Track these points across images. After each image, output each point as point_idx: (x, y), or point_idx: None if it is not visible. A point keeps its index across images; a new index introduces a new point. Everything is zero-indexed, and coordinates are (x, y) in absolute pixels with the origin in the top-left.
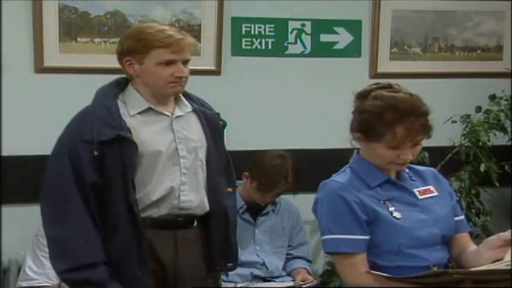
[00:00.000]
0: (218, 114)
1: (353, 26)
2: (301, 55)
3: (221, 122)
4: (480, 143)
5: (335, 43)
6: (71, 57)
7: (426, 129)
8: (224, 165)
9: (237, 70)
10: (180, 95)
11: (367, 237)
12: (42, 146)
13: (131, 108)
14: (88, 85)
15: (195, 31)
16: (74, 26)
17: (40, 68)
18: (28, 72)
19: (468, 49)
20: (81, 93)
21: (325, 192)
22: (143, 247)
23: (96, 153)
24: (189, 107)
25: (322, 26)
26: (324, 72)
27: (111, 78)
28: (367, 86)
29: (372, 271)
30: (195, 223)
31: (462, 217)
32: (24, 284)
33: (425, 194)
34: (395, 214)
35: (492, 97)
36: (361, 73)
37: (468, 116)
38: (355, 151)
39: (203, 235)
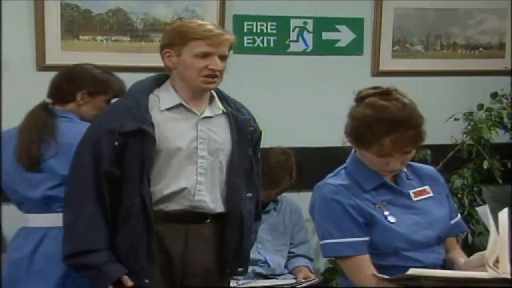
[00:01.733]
0: (249, 119)
1: (355, 24)
2: (303, 53)
3: (251, 128)
4: (483, 141)
5: (337, 41)
6: (73, 55)
7: (415, 141)
8: (247, 170)
9: (239, 68)
10: (216, 96)
11: (367, 238)
12: None
13: (162, 103)
14: None
15: None
16: (76, 24)
17: (42, 66)
18: (30, 70)
19: (470, 47)
20: None
21: (320, 196)
22: (152, 240)
23: (116, 143)
24: (220, 109)
25: (324, 24)
26: (326, 70)
27: None
28: (366, 89)
29: (377, 274)
30: (209, 219)
31: (457, 218)
32: None
33: (421, 195)
34: (390, 218)
35: (494, 95)
36: (363, 71)
37: (471, 113)
38: (352, 151)
39: (216, 234)
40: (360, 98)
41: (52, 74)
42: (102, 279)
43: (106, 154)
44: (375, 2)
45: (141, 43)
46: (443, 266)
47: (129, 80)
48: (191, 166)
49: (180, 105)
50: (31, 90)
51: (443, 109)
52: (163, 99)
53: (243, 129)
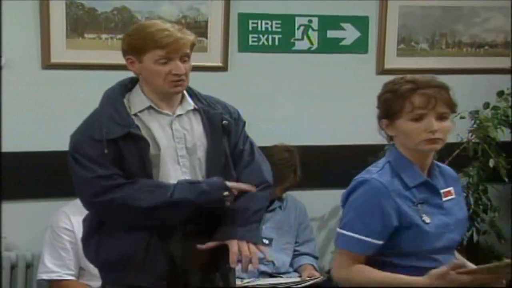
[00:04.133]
0: (221, 113)
1: (360, 22)
2: (308, 51)
3: (225, 122)
4: (489, 139)
5: (342, 39)
6: (78, 53)
7: (446, 101)
8: (222, 165)
9: (244, 66)
10: (185, 93)
11: (381, 242)
12: (49, 142)
13: (133, 106)
14: (95, 82)
15: (202, 28)
16: (81, 22)
17: (47, 64)
18: (35, 68)
19: (475, 45)
20: (87, 89)
21: (366, 190)
22: (164, 239)
23: (106, 151)
24: (191, 106)
25: (329, 22)
26: (331, 68)
27: (118, 74)
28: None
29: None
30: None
31: None
32: (44, 276)
33: (447, 196)
34: (425, 218)
35: (500, 93)
36: (368, 69)
37: (477, 112)
38: (392, 145)
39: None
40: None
41: (57, 73)
42: (217, 185)
43: (97, 160)
44: (380, 0)
45: None
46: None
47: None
48: (175, 166)
49: (150, 107)
50: (36, 89)
51: None
52: (133, 103)
53: (215, 123)
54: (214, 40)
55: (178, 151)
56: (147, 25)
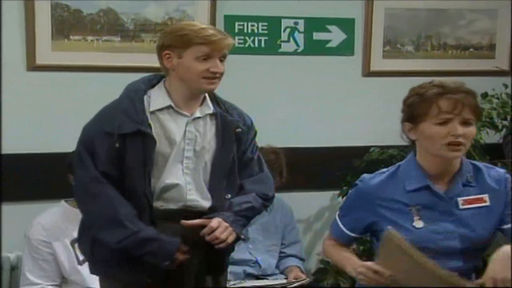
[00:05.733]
0: (237, 121)
1: (346, 24)
2: (294, 53)
3: (238, 130)
4: (473, 141)
5: (328, 41)
6: (63, 55)
7: (472, 108)
8: (228, 170)
9: (230, 68)
10: (207, 97)
11: (353, 235)
12: (34, 144)
13: (152, 103)
14: (81, 83)
15: None
16: (67, 24)
17: (33, 66)
18: (20, 70)
19: (461, 48)
20: (73, 91)
21: (355, 187)
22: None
23: (117, 145)
24: (210, 109)
25: (315, 24)
26: (317, 70)
27: (104, 76)
28: None
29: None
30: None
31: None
32: None
33: (472, 203)
34: (417, 223)
35: (484, 95)
36: (354, 71)
37: None
38: (411, 153)
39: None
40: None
41: (42, 74)
42: (169, 246)
43: (101, 155)
44: (366, 2)
45: (132, 43)
46: (464, 274)
47: (119, 80)
48: (178, 165)
49: (170, 107)
50: (21, 90)
51: None
52: (153, 100)
53: (229, 130)
54: None
55: (185, 152)
56: (190, 23)
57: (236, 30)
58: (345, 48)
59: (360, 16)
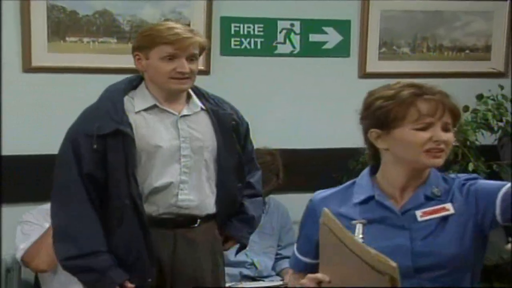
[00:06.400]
0: (231, 114)
1: (342, 26)
2: (290, 55)
3: (233, 122)
4: (468, 143)
5: (324, 43)
6: (59, 57)
7: (452, 110)
8: (236, 164)
9: (226, 70)
10: (193, 94)
11: (309, 260)
12: (30, 146)
13: (137, 104)
14: (77, 85)
15: None
16: (63, 26)
17: (28, 68)
18: (16, 71)
19: (456, 49)
20: (69, 93)
21: (308, 203)
22: (150, 239)
23: (95, 146)
24: (198, 107)
25: (311, 26)
26: (313, 72)
27: (100, 77)
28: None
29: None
30: (198, 223)
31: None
32: (17, 256)
33: (432, 214)
34: (359, 238)
35: (480, 97)
36: (350, 73)
37: None
38: (367, 170)
39: (208, 234)
40: (371, 93)
41: (38, 76)
42: (104, 284)
43: (86, 156)
44: (362, 4)
45: (128, 44)
46: None
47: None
48: (175, 164)
49: (155, 106)
50: (17, 92)
51: None
52: (137, 101)
53: (225, 124)
54: None
55: (181, 151)
56: (158, 24)
57: (232, 32)
58: (341, 50)
59: (356, 18)
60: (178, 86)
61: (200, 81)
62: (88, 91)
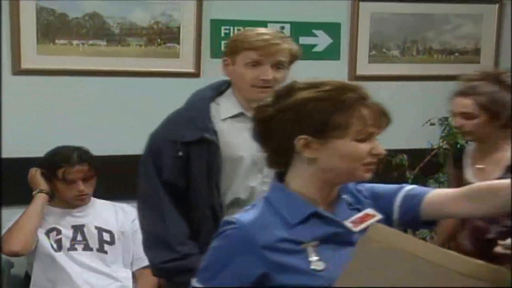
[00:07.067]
0: None
1: (332, 29)
2: None
3: None
4: (459, 146)
5: (314, 45)
6: (49, 59)
7: (386, 118)
8: None
9: (217, 72)
10: None
11: None
12: (18, 148)
13: (223, 111)
14: (66, 87)
15: (174, 34)
16: (52, 28)
17: (18, 70)
18: (6, 74)
19: (446, 52)
20: (59, 95)
21: (223, 236)
22: None
23: (180, 153)
24: None
25: (301, 28)
26: (303, 74)
27: (90, 80)
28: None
29: None
30: None
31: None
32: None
33: (363, 221)
34: (316, 265)
35: None
36: (340, 75)
37: (446, 118)
38: (275, 180)
39: None
40: (287, 91)
41: (27, 79)
42: None
43: (168, 164)
44: (352, 7)
45: (118, 47)
46: None
47: (106, 84)
48: (257, 175)
49: (241, 113)
50: (6, 94)
51: (419, 114)
52: (224, 108)
53: None
54: (187, 46)
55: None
56: (249, 29)
57: (222, 35)
58: (331, 53)
59: (346, 21)
60: (258, 95)
61: (191, 84)
62: (78, 94)
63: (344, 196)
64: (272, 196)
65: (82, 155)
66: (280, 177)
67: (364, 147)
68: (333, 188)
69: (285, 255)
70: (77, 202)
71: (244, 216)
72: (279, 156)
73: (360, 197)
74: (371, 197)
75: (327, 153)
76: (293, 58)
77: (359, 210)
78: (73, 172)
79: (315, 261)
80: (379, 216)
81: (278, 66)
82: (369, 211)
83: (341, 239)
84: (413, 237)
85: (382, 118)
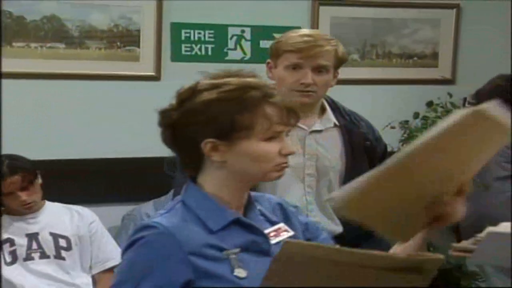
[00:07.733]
0: (365, 133)
1: None
2: (241, 61)
3: (367, 142)
4: None
5: None
6: (6, 62)
7: (297, 113)
8: None
9: (177, 75)
10: (328, 108)
11: None
12: None
13: None
14: (25, 91)
15: (134, 37)
16: (9, 31)
17: None
18: None
19: (405, 56)
20: (17, 99)
21: (144, 242)
22: None
23: None
24: (332, 122)
25: (262, 32)
26: (264, 78)
27: (48, 83)
28: (189, 86)
29: None
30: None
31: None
32: None
33: (277, 236)
34: (238, 272)
35: (430, 104)
36: None
37: (407, 122)
38: (188, 182)
39: None
40: (191, 91)
41: None
42: None
43: None
44: (312, 11)
45: (77, 50)
46: None
47: (65, 87)
48: (299, 184)
49: None
50: None
51: (379, 117)
52: None
53: (357, 143)
54: (147, 49)
55: (306, 169)
56: (293, 30)
57: (183, 38)
58: None
59: (306, 24)
60: (299, 100)
61: (150, 87)
62: (36, 97)
63: (259, 208)
64: (189, 199)
65: (12, 166)
66: (194, 178)
67: (273, 147)
68: (246, 190)
69: (209, 262)
70: (25, 211)
71: (164, 220)
72: (190, 160)
73: (274, 208)
74: (304, 225)
75: (236, 155)
76: (339, 61)
77: (271, 223)
78: (7, 185)
79: (237, 268)
80: (292, 233)
81: (319, 69)
82: (281, 225)
83: (259, 247)
84: (326, 245)
85: (289, 115)
